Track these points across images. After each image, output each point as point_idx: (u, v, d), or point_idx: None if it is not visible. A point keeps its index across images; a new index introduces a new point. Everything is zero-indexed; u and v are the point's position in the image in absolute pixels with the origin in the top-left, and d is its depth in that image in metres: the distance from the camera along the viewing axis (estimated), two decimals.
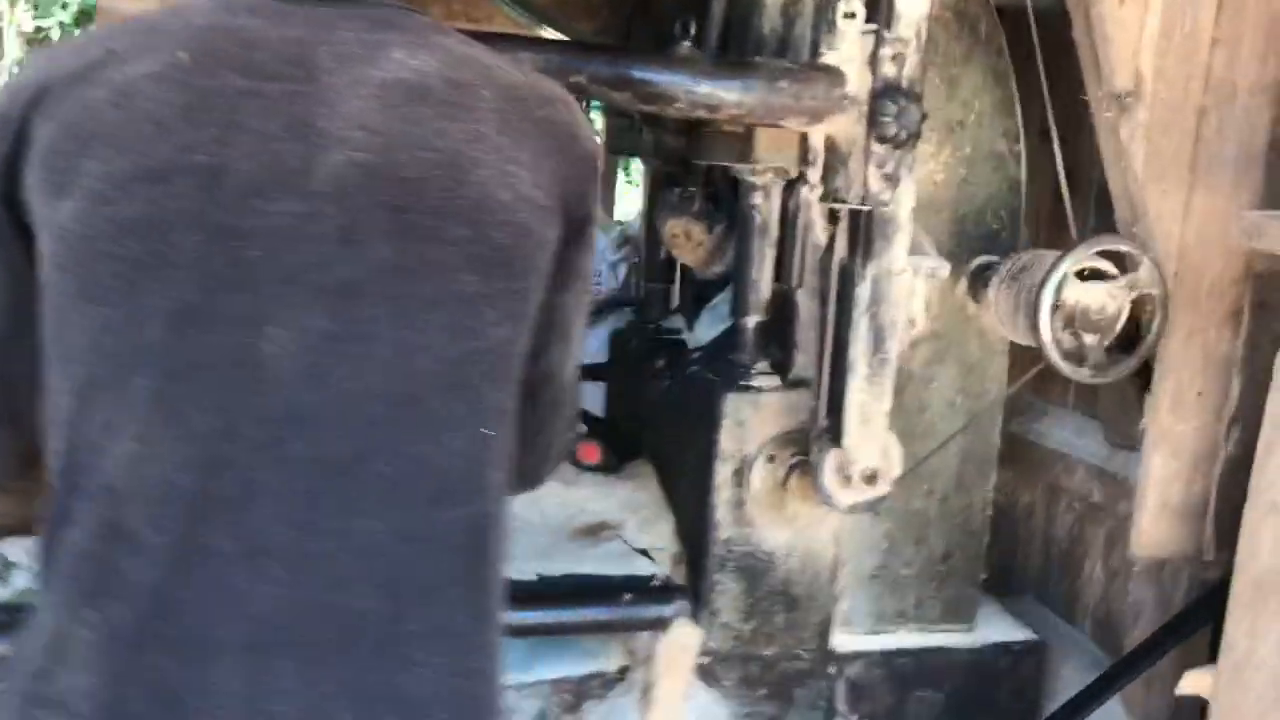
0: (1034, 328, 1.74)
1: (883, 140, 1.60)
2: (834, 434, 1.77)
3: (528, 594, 1.78)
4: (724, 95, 1.61)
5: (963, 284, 1.99)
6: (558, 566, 1.86)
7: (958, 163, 1.98)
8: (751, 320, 1.95)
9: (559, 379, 1.32)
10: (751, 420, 1.92)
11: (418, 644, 1.08)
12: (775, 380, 1.92)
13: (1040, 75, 1.88)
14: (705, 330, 2.32)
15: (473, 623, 1.12)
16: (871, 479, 1.78)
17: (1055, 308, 1.75)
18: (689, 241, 2.11)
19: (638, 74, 1.60)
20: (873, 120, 1.60)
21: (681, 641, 1.80)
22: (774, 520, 1.94)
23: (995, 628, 2.17)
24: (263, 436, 1.03)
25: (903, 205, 1.71)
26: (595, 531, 1.99)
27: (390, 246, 1.09)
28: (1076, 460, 2.30)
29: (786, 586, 1.98)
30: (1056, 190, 2.00)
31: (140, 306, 1.03)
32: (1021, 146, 2.00)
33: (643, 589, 1.82)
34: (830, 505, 1.81)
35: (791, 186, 1.81)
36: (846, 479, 1.78)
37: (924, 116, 1.62)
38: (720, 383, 1.93)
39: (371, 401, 1.06)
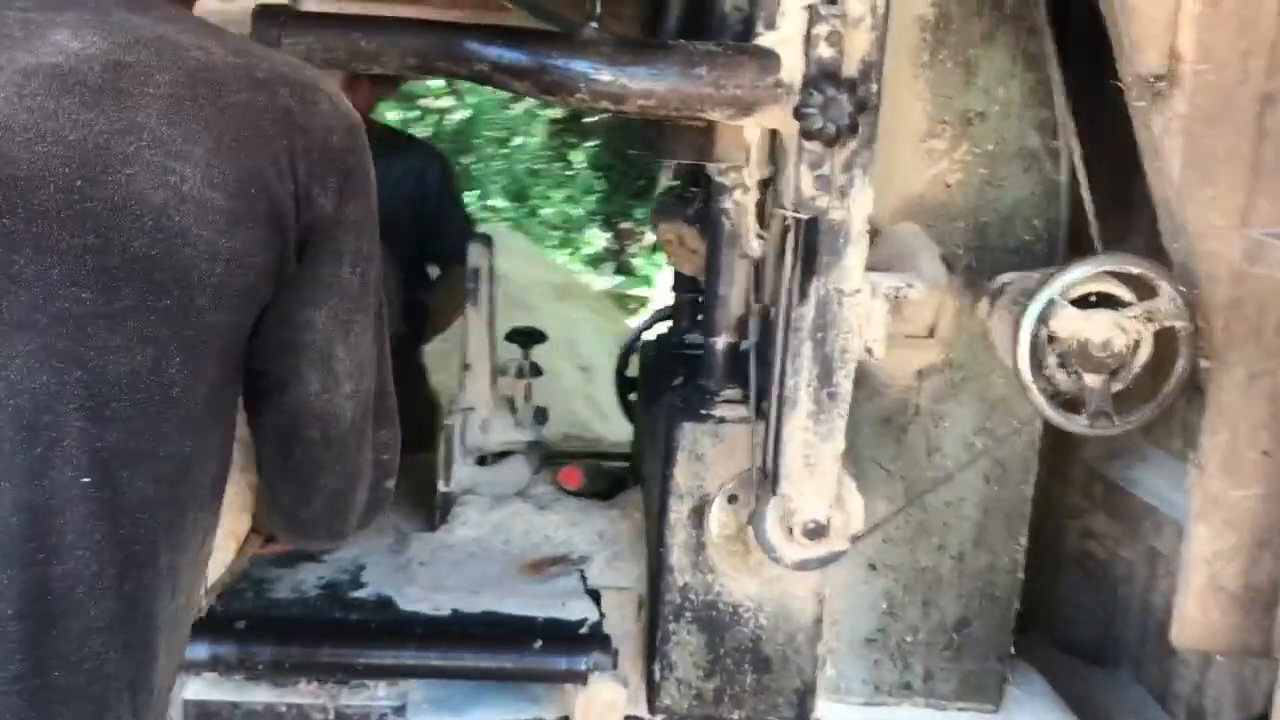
0: (1012, 363, 1.43)
1: (808, 136, 1.34)
2: (775, 478, 1.52)
3: (433, 631, 1.63)
4: (629, 84, 1.40)
5: (984, 306, 1.67)
6: (483, 602, 1.69)
7: (976, 161, 1.67)
8: (720, 341, 1.71)
9: (327, 414, 1.13)
10: (711, 454, 1.68)
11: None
12: (741, 410, 1.68)
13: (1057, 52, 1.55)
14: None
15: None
16: (816, 533, 1.51)
17: (1050, 340, 1.43)
18: (683, 248, 1.89)
19: (534, 60, 1.41)
20: (798, 113, 1.34)
21: (603, 698, 1.59)
22: (738, 568, 1.70)
23: (1029, 712, 1.84)
24: None
25: (855, 213, 1.43)
26: (552, 564, 1.81)
27: None
28: (1168, 516, 1.92)
29: (756, 644, 1.73)
30: (1111, 193, 1.66)
31: None
32: (1067, 143, 1.66)
33: (559, 637, 1.63)
34: (775, 560, 1.55)
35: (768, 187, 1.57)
36: (789, 531, 1.52)
37: (863, 107, 1.35)
38: (679, 410, 1.70)
39: None
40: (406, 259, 2.64)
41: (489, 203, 10.53)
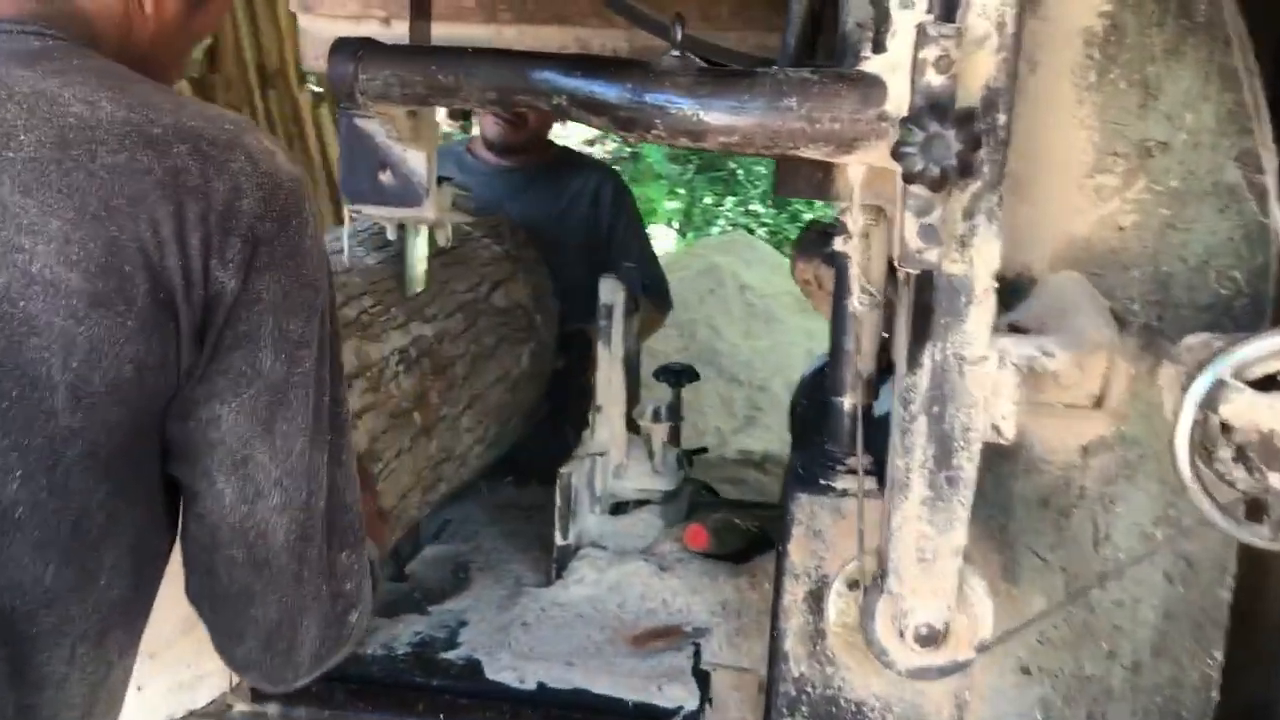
0: (1171, 454, 1.16)
1: (909, 179, 1.13)
2: (883, 572, 1.31)
3: (514, 707, 1.51)
4: (707, 118, 1.22)
5: (1166, 373, 1.39)
6: (574, 677, 1.56)
7: (1157, 200, 1.38)
8: (845, 402, 1.51)
9: (250, 531, 0.97)
10: (831, 531, 1.48)
11: None
12: (870, 483, 1.47)
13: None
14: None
15: None
16: (931, 640, 1.29)
17: (1225, 428, 1.16)
18: (820, 290, 1.69)
19: (608, 93, 1.27)
20: (895, 152, 1.13)
21: None
22: (861, 662, 1.49)
23: None
24: None
25: (978, 267, 1.21)
26: (658, 637, 1.65)
27: None
28: None
29: None
30: None
31: None
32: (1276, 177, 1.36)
33: None
34: (886, 665, 1.34)
35: None
36: (900, 634, 1.31)
37: (976, 144, 1.12)
38: (796, 478, 1.51)
39: None
40: (575, 285, 2.54)
41: (750, 208, 10.44)
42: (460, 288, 1.99)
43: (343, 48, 1.39)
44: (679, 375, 2.08)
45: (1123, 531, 1.46)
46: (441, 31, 2.09)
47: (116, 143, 0.90)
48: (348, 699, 1.52)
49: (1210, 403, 1.14)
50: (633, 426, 1.99)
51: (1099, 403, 1.41)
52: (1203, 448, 1.19)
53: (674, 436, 2.02)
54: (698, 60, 1.25)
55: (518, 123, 2.69)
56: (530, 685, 1.55)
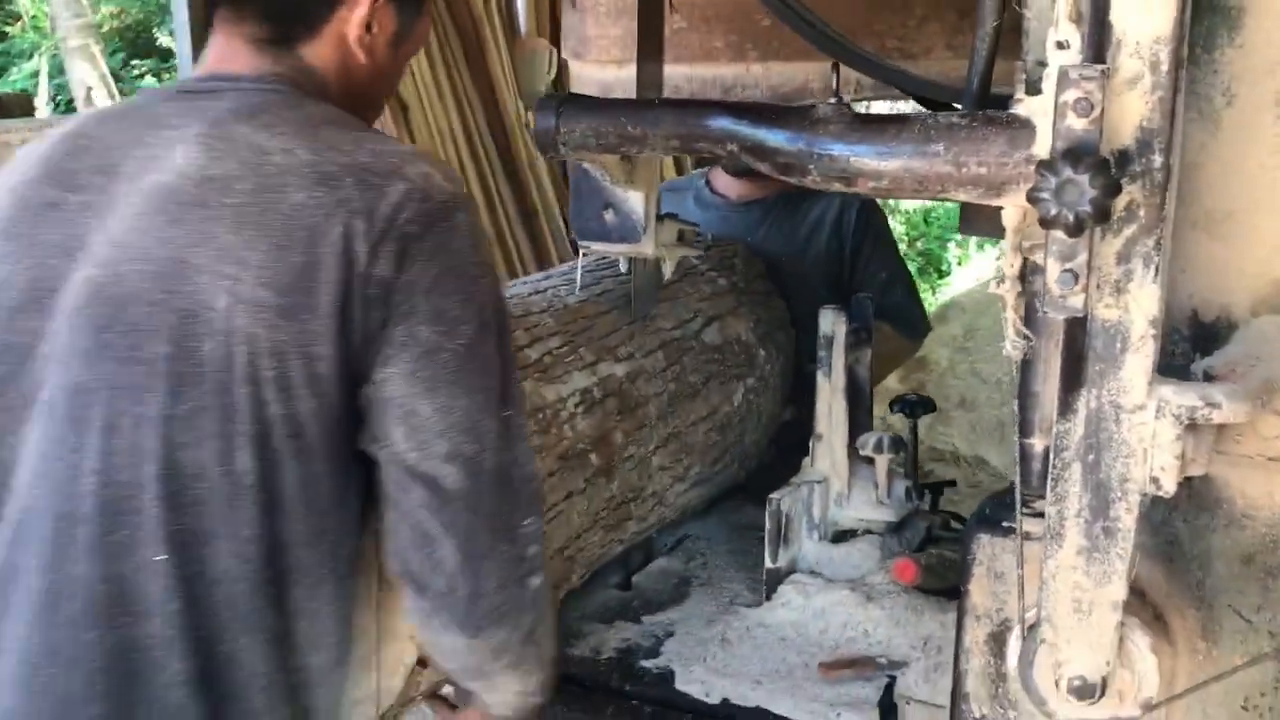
0: None
1: (1045, 224, 1.12)
2: (1039, 620, 1.28)
3: (696, 718, 1.59)
4: (855, 163, 1.26)
5: None
6: (757, 696, 1.62)
7: None
8: (1036, 444, 1.47)
9: (425, 476, 1.16)
10: (1017, 576, 1.45)
11: None
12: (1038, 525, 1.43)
13: None
14: None
15: None
16: (1085, 693, 1.25)
17: None
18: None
19: (769, 139, 1.34)
20: (1030, 197, 1.13)
21: None
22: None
23: None
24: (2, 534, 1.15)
25: (1135, 314, 1.17)
26: (848, 667, 1.68)
27: (82, 366, 1.13)
28: None
29: None
30: None
31: None
32: None
33: None
34: (1045, 714, 1.31)
35: None
36: (1057, 684, 1.28)
37: (1115, 189, 1.09)
38: (981, 518, 1.50)
39: (44, 518, 1.12)
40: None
41: None
42: (667, 325, 2.04)
43: (546, 104, 1.53)
44: (914, 407, 2.08)
45: None
46: (691, 71, 2.22)
47: (300, 182, 1.14)
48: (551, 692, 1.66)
49: None
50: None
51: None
52: None
53: (906, 468, 2.03)
54: (851, 108, 1.29)
55: (739, 167, 2.64)
56: (714, 699, 1.63)
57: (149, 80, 12.03)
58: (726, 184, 2.77)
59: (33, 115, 3.69)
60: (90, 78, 8.45)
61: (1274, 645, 1.39)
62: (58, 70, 11.18)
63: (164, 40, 12.34)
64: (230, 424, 1.11)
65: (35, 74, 11.18)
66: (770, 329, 2.32)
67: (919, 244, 10.40)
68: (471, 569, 1.20)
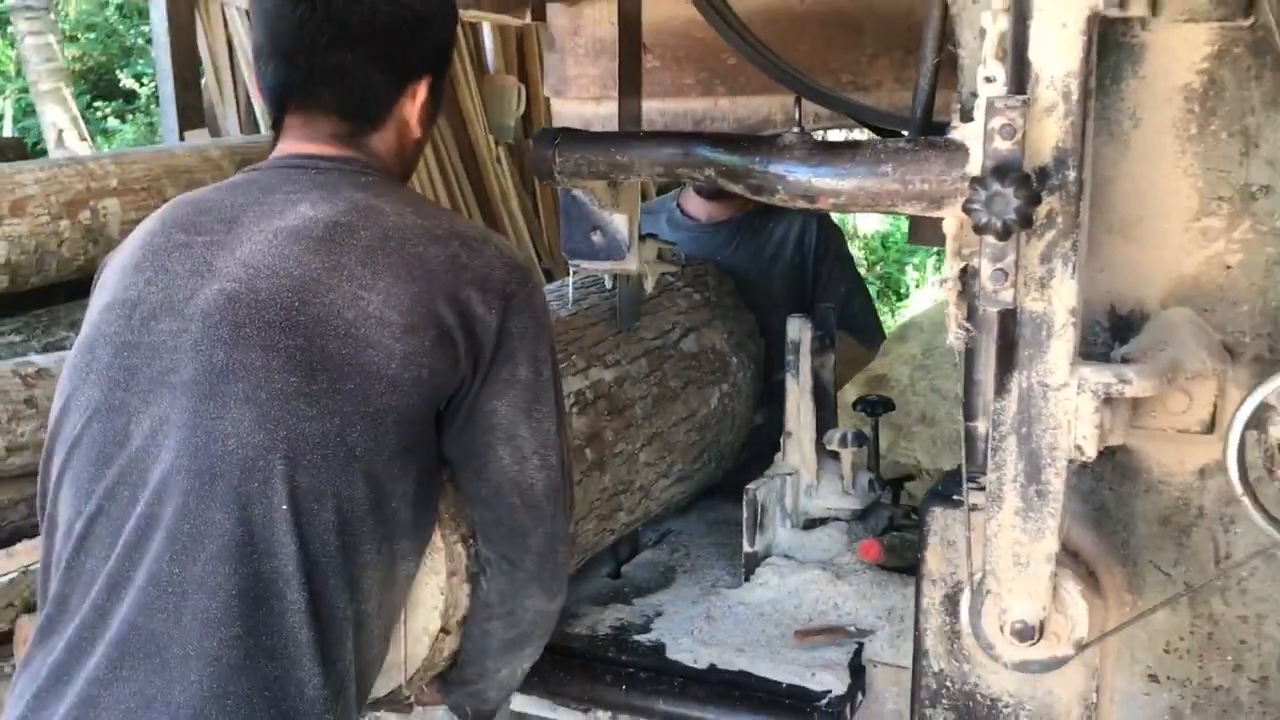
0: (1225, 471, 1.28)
1: (978, 230, 1.33)
2: (984, 574, 1.48)
3: (684, 682, 1.77)
4: (817, 183, 1.47)
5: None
6: (740, 662, 1.81)
7: (1262, 239, 1.49)
8: (980, 426, 1.68)
9: (521, 483, 1.47)
10: (963, 542, 1.65)
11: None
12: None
13: None
14: None
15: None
16: (1025, 635, 1.45)
17: (1278, 450, 1.27)
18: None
19: (742, 164, 1.54)
20: (964, 208, 1.33)
21: None
22: (998, 664, 1.65)
23: None
24: (125, 495, 1.36)
25: (1057, 305, 1.38)
26: (821, 634, 1.87)
27: (223, 353, 1.37)
28: None
29: None
30: None
31: (76, 402, 1.39)
32: None
33: (791, 704, 1.69)
34: (992, 657, 1.51)
35: None
36: (1001, 629, 1.48)
37: (1035, 200, 1.30)
38: (934, 493, 1.70)
39: (187, 474, 1.33)
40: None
41: None
42: (649, 335, 2.23)
43: (543, 136, 1.73)
44: (875, 406, 2.28)
45: (1243, 550, 1.55)
46: (664, 105, 2.43)
47: (416, 239, 1.42)
48: (552, 667, 1.84)
49: (1259, 424, 1.26)
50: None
51: (1211, 428, 1.51)
52: (1266, 468, 1.31)
53: (869, 462, 2.22)
54: (812, 136, 1.50)
55: (714, 189, 2.74)
56: (702, 665, 1.81)
57: (113, 122, 12.15)
58: (696, 207, 2.95)
59: (28, 158, 3.81)
60: (62, 120, 8.56)
61: (1190, 596, 1.59)
62: (21, 113, 11.27)
63: (127, 82, 12.46)
64: (350, 405, 1.35)
65: (0, 116, 11.27)
66: (741, 339, 2.51)
67: (878, 268, 10.68)
68: (552, 548, 1.50)
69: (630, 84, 2.07)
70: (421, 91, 1.58)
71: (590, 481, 1.93)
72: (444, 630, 1.56)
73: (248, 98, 5.02)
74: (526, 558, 1.51)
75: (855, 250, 10.46)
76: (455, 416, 1.46)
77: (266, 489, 1.33)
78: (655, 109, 2.35)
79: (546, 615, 1.58)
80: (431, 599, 1.54)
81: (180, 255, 1.43)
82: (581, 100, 2.55)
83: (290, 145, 1.55)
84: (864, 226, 10.62)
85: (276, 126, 1.59)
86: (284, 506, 1.33)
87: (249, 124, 4.99)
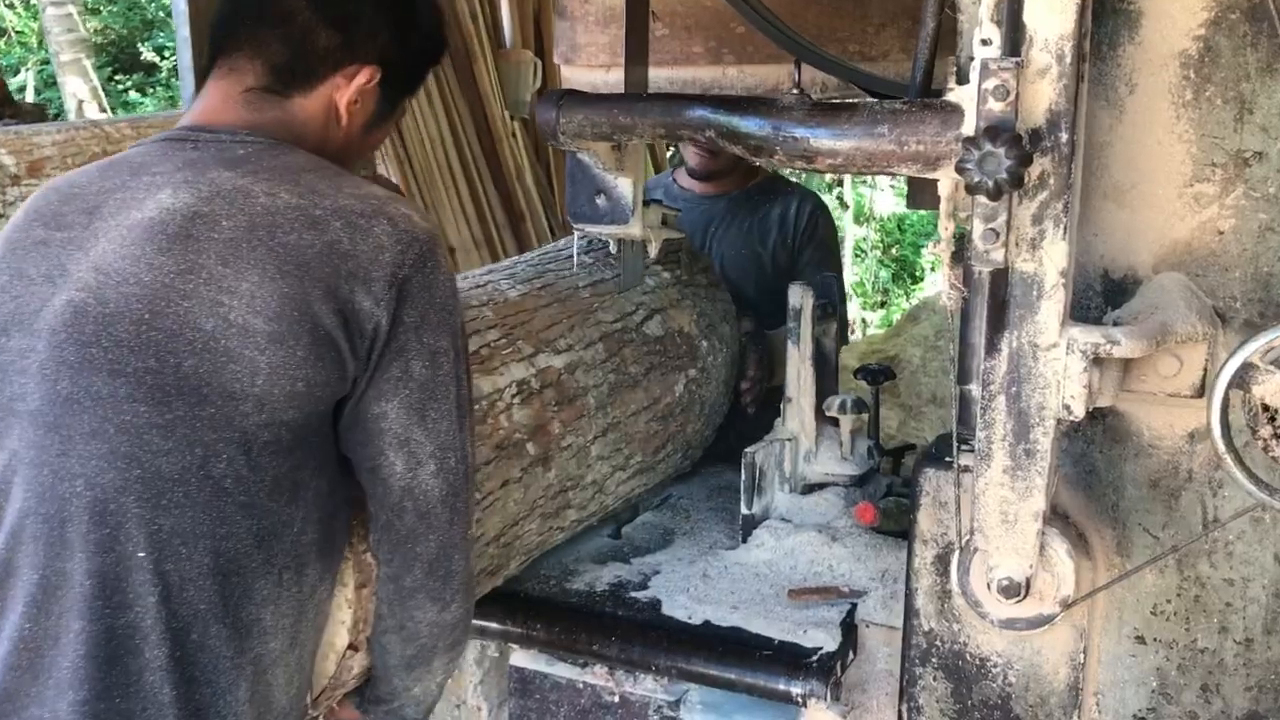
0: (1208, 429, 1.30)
1: (970, 190, 1.35)
2: (972, 532, 1.50)
3: (679, 637, 1.80)
4: (815, 144, 1.49)
5: None
6: (734, 618, 1.84)
7: (1254, 206, 1.50)
8: (973, 389, 1.70)
9: (416, 491, 1.34)
10: (955, 502, 1.68)
11: None
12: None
13: None
14: None
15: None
16: (1011, 592, 1.47)
17: (1264, 407, 1.29)
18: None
19: (741, 125, 1.56)
20: (957, 168, 1.35)
21: None
22: (986, 621, 1.68)
23: None
24: None
25: (1048, 266, 1.40)
26: (815, 593, 1.90)
27: (68, 379, 1.22)
28: None
29: (1006, 701, 1.69)
30: None
31: None
32: None
33: (783, 660, 1.72)
34: (980, 614, 1.53)
35: None
36: (988, 586, 1.50)
37: (1026, 161, 1.32)
38: (927, 455, 1.72)
39: (36, 518, 1.22)
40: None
41: None
42: (608, 318, 2.09)
43: (548, 98, 1.75)
44: (876, 375, 2.30)
45: (1231, 514, 1.57)
46: (672, 74, 2.44)
47: (290, 225, 1.27)
48: (549, 621, 1.88)
49: (1242, 384, 1.28)
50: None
51: (1200, 392, 1.53)
52: (1250, 428, 1.32)
53: (869, 429, 2.25)
54: (810, 97, 1.52)
55: (714, 149, 2.84)
56: (696, 621, 1.84)
57: (134, 95, 12.22)
58: (689, 183, 3.08)
59: (46, 120, 3.87)
60: (82, 91, 8.64)
61: (1178, 558, 1.61)
62: (44, 84, 11.35)
63: (148, 55, 12.52)
64: (211, 434, 1.21)
65: (22, 88, 11.35)
66: (714, 321, 2.36)
67: (894, 250, 10.68)
68: (445, 556, 1.39)
69: (637, 52, 2.08)
70: (361, 78, 1.46)
71: (532, 478, 1.81)
72: (352, 647, 1.49)
73: None
74: (415, 566, 1.38)
75: (870, 234, 10.46)
76: (343, 419, 1.34)
77: (119, 535, 1.19)
78: (664, 77, 2.36)
79: (444, 626, 1.45)
80: (338, 613, 1.46)
81: (36, 256, 1.28)
82: (591, 68, 2.56)
83: (198, 108, 1.44)
84: (880, 208, 10.62)
85: (203, 78, 1.47)
86: (140, 554, 1.20)
87: None
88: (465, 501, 1.39)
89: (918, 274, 10.47)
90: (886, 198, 10.58)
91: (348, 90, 1.46)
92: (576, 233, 2.07)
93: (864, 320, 9.44)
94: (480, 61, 5.80)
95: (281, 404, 1.25)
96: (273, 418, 1.24)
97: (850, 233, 10.32)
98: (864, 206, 10.50)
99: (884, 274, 10.28)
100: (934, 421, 6.20)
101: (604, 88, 2.51)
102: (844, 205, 10.36)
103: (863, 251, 10.31)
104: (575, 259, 2.11)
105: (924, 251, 1.66)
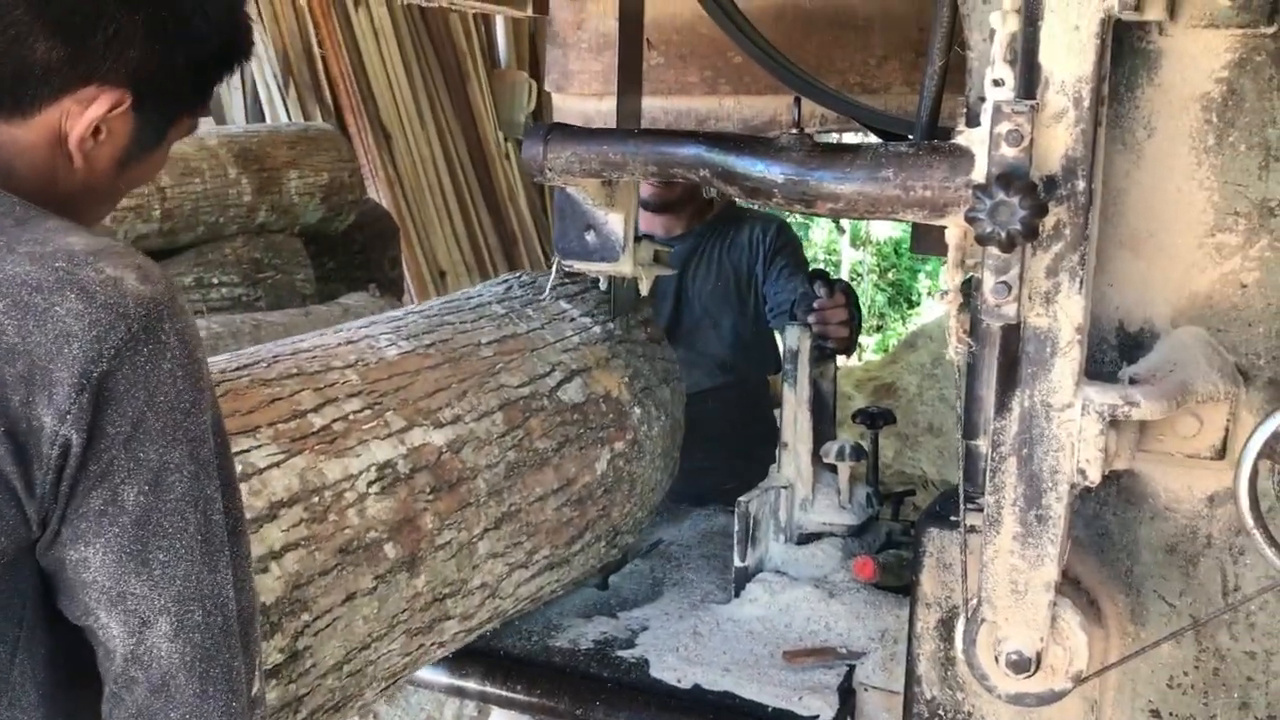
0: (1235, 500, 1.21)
1: (981, 241, 1.26)
2: (979, 601, 1.41)
3: (669, 703, 1.71)
4: (814, 187, 1.40)
5: None
6: (725, 682, 1.74)
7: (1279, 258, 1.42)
8: (982, 445, 1.61)
9: (141, 659, 1.00)
10: (960, 565, 1.59)
11: None
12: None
13: None
14: None
15: None
16: (1021, 666, 1.38)
17: None
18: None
19: (737, 166, 1.47)
20: (967, 217, 1.27)
21: None
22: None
23: None
24: None
25: (1063, 322, 1.31)
26: (811, 655, 1.80)
27: None
28: None
29: None
30: None
31: None
32: None
33: None
34: (986, 688, 1.44)
35: None
36: (996, 659, 1.41)
37: (1041, 211, 1.24)
38: (930, 514, 1.63)
39: None
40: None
41: None
42: (513, 381, 1.76)
43: (534, 132, 1.66)
44: (875, 418, 2.21)
45: (1253, 582, 1.48)
46: (667, 104, 2.36)
47: None
48: (531, 680, 1.78)
49: (1272, 453, 1.19)
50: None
51: (1221, 454, 1.45)
52: (1277, 495, 1.24)
53: (868, 476, 2.16)
54: (811, 138, 1.43)
55: (670, 182, 2.55)
56: (686, 685, 1.75)
57: None
58: (647, 223, 2.80)
59: None
60: None
61: (1195, 627, 1.52)
62: None
63: None
64: None
65: None
66: (651, 384, 2.03)
67: (890, 274, 10.62)
68: None
69: (631, 81, 2.01)
70: (101, 105, 1.08)
71: (391, 588, 1.48)
72: None
73: (254, 86, 4.99)
74: None
75: (866, 258, 10.40)
76: (46, 570, 0.99)
77: None
78: (659, 107, 2.29)
79: None
80: None
81: None
82: (583, 96, 2.49)
83: None
84: (877, 233, 10.56)
85: None
86: None
87: (254, 113, 4.96)
88: (226, 664, 1.03)
89: (914, 299, 10.41)
90: (882, 222, 10.51)
91: (83, 120, 1.08)
92: (559, 267, 1.99)
93: (860, 345, 9.37)
94: (474, 81, 5.74)
95: (49, 543, 0.96)
96: None
97: (846, 256, 10.26)
98: (860, 230, 10.44)
99: (880, 299, 10.21)
100: (930, 451, 6.12)
101: (597, 117, 2.43)
102: (840, 229, 10.30)
103: (859, 275, 10.25)
104: (548, 295, 2.02)
105: (937, 299, 1.59)
